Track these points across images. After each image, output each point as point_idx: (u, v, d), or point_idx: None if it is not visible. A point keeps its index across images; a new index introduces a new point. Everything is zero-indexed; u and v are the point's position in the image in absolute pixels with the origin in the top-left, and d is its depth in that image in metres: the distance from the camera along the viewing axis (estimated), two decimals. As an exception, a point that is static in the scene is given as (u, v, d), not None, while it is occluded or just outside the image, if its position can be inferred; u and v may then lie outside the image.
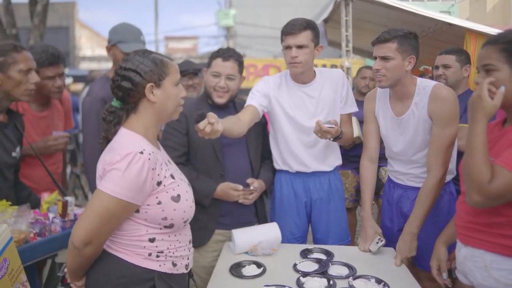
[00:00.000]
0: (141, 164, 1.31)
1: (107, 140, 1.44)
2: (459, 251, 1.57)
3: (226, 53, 2.10)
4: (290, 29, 2.02)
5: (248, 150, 2.15)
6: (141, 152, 1.32)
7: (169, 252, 1.44)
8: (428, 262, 1.79)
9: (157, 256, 1.41)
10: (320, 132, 1.95)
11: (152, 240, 1.40)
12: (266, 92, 2.17)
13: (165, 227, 1.41)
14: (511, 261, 1.38)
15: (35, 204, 2.03)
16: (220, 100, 2.10)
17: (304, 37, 2.03)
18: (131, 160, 1.30)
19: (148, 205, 1.37)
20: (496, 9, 15.53)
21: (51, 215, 1.93)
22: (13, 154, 1.98)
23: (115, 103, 1.43)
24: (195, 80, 3.12)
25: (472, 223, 1.49)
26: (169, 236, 1.43)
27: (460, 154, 2.20)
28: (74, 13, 21.69)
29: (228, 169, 2.09)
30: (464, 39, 6.97)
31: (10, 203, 1.85)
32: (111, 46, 2.32)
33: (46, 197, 2.01)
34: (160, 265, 1.42)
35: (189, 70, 3.12)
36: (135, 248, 1.39)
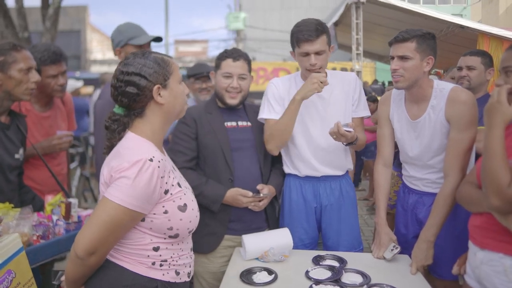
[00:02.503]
0: (150, 172, 1.25)
1: (111, 148, 1.38)
2: (474, 255, 1.52)
3: (235, 53, 2.08)
4: (308, 36, 1.97)
5: (257, 155, 2.12)
6: (151, 160, 1.26)
7: (173, 260, 1.39)
8: (444, 270, 1.73)
9: (161, 265, 1.37)
10: (336, 134, 1.90)
11: (156, 249, 1.35)
12: (278, 97, 2.15)
13: (170, 237, 1.36)
14: None
15: (40, 207, 2.01)
16: (233, 101, 2.08)
17: (321, 43, 2.00)
18: (141, 168, 1.25)
19: (154, 214, 1.32)
20: (509, 12, 15.35)
21: (54, 217, 1.90)
22: (16, 156, 1.96)
23: (118, 110, 1.36)
24: (209, 84, 3.03)
25: (490, 225, 1.44)
26: (172, 245, 1.39)
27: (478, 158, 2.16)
28: (85, 16, 21.94)
29: (238, 174, 2.05)
30: (476, 42, 6.89)
31: (12, 205, 1.83)
32: (122, 47, 2.27)
33: (50, 199, 1.98)
34: (163, 274, 1.37)
35: (203, 73, 3.04)
36: (139, 257, 1.34)
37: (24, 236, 1.66)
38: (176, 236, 1.37)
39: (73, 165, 5.22)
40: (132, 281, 1.32)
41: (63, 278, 1.40)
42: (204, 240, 2.04)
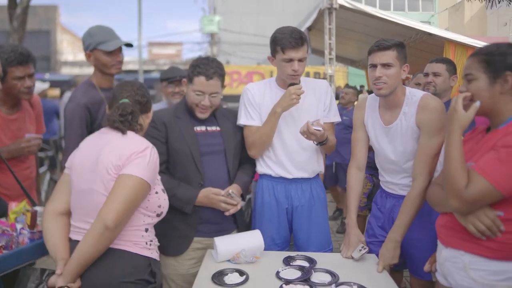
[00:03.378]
0: (156, 155, 1.65)
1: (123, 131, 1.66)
2: (440, 252, 1.61)
3: (209, 70, 2.01)
4: (294, 43, 2.04)
5: (226, 159, 2.14)
6: (153, 147, 1.65)
7: (155, 240, 1.73)
8: (421, 270, 1.82)
9: (150, 245, 1.67)
10: (306, 133, 1.96)
11: (146, 230, 1.65)
12: (254, 103, 2.21)
13: (157, 215, 1.68)
14: (490, 262, 1.41)
15: (2, 212, 1.92)
16: (203, 115, 2.09)
17: (304, 50, 2.08)
18: (151, 150, 1.62)
19: (150, 194, 1.63)
20: (473, 20, 15.97)
21: (18, 226, 1.80)
22: None
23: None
24: (181, 88, 3.01)
25: (453, 224, 1.52)
26: (153, 226, 1.70)
27: None
28: (55, 16, 21.41)
29: (207, 178, 2.06)
30: (443, 49, 7.14)
31: None
32: (91, 51, 2.24)
33: (14, 207, 1.88)
34: (151, 253, 1.67)
35: (176, 77, 3.03)
36: (135, 238, 1.61)
37: None
38: (160, 214, 1.70)
39: (42, 169, 5.08)
40: (134, 262, 1.59)
41: (66, 268, 1.52)
42: (174, 243, 2.05)
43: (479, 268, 1.43)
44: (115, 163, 1.56)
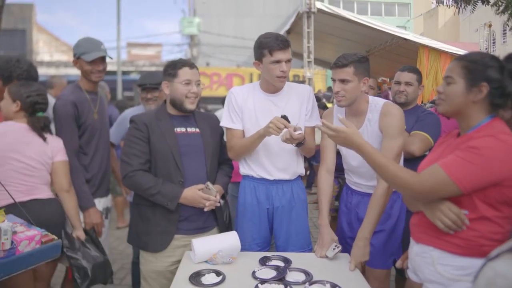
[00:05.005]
0: None
1: None
2: (411, 248, 1.69)
3: (189, 62, 2.21)
4: (282, 45, 2.13)
5: (205, 159, 2.20)
6: None
7: None
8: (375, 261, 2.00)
9: None
10: (290, 139, 2.05)
11: None
12: (236, 107, 2.29)
13: None
14: (455, 257, 1.49)
15: None
16: (192, 106, 2.18)
17: (290, 52, 2.19)
18: None
19: None
20: (447, 26, 16.42)
21: None
22: None
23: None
24: (154, 94, 3.11)
25: (423, 222, 1.60)
26: None
27: (409, 160, 2.36)
28: (31, 15, 20.94)
29: (187, 176, 2.13)
30: (417, 53, 7.34)
31: None
32: (77, 59, 2.53)
33: None
34: None
35: (146, 85, 3.10)
36: None
37: None
38: None
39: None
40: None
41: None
42: (155, 239, 2.11)
43: (446, 263, 1.51)
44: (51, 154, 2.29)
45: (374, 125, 2.14)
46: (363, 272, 2.16)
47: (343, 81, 2.09)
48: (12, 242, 1.73)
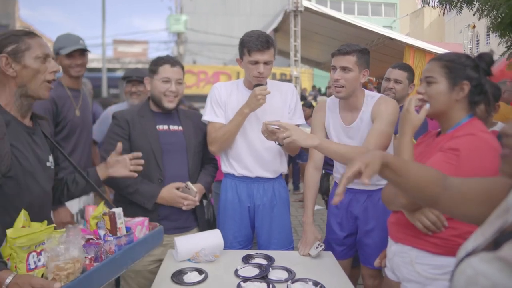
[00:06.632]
0: None
1: None
2: (390, 248, 1.70)
3: (172, 59, 2.17)
4: (260, 46, 2.10)
5: (187, 158, 2.18)
6: None
7: None
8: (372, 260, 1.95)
9: None
10: (267, 132, 2.00)
11: None
12: (220, 101, 2.26)
13: None
14: (433, 257, 1.51)
15: None
16: (171, 104, 2.14)
17: (270, 54, 2.14)
18: None
19: None
20: (433, 26, 16.63)
21: (101, 232, 1.56)
22: (47, 163, 1.66)
23: None
24: (139, 88, 3.12)
25: (402, 221, 1.61)
26: None
27: None
28: (15, 10, 20.52)
29: (167, 174, 2.10)
30: (403, 53, 7.42)
31: (54, 225, 1.43)
32: (56, 55, 2.50)
33: (92, 212, 1.64)
34: None
35: (132, 77, 3.11)
36: None
37: (76, 262, 1.29)
38: None
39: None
40: None
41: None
42: None
43: (424, 263, 1.52)
44: None
45: (368, 117, 2.09)
46: (357, 269, 2.17)
47: (344, 68, 2.04)
48: (127, 228, 1.65)
